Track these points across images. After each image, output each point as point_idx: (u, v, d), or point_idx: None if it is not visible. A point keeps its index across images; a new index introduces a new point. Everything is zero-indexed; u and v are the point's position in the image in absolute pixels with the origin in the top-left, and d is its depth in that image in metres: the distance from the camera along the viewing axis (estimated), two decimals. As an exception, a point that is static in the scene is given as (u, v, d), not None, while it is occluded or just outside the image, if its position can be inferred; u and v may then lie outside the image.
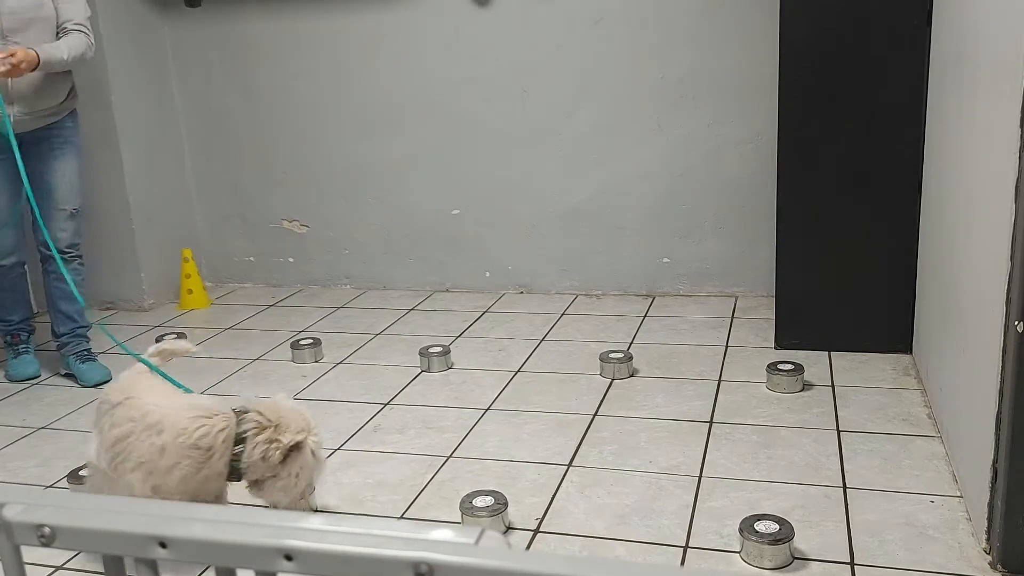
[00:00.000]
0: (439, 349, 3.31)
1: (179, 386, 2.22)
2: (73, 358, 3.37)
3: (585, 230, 4.08)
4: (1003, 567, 1.89)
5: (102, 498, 0.81)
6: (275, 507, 2.09)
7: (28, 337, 3.48)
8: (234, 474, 2.02)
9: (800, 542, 2.02)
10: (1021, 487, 1.85)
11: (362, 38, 4.14)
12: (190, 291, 4.30)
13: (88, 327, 3.44)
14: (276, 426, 2.01)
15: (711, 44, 3.74)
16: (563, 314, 3.87)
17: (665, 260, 4.03)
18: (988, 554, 1.94)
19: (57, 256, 2.94)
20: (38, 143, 3.17)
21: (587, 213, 4.06)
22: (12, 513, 0.74)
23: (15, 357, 3.45)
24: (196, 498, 2.00)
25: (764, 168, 3.71)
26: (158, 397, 2.06)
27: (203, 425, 1.98)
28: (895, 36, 2.93)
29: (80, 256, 3.35)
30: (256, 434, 2.00)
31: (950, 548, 1.99)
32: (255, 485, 2.07)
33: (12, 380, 3.39)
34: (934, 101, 2.83)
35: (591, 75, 3.90)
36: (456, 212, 4.23)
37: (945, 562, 1.94)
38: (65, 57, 3.03)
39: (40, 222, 3.02)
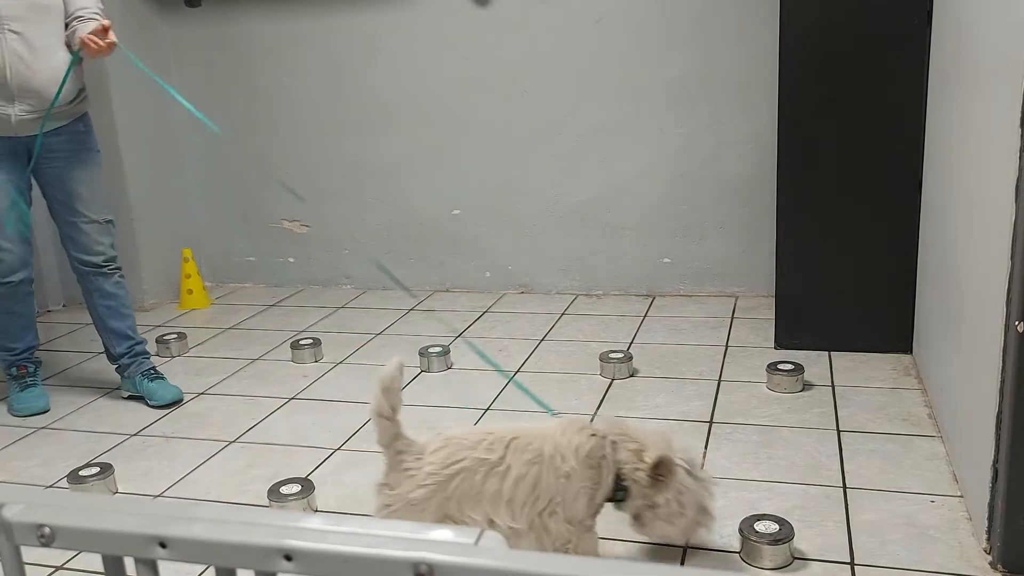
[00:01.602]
0: (439, 349, 3.31)
1: (546, 408, 2.06)
2: (140, 378, 3.11)
3: (585, 230, 4.08)
4: (1003, 567, 1.89)
5: (102, 498, 0.81)
6: (666, 540, 1.93)
7: (36, 369, 3.15)
8: (619, 491, 1.82)
9: (800, 542, 2.02)
10: (1021, 487, 1.85)
11: (362, 38, 4.14)
12: (190, 291, 4.30)
13: (145, 342, 3.23)
14: (640, 443, 1.82)
15: (711, 44, 3.74)
16: (563, 314, 3.87)
17: (665, 260, 4.03)
18: (988, 554, 1.93)
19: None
20: (50, 150, 2.92)
21: (587, 213, 4.06)
22: (12, 513, 0.74)
23: (22, 390, 3.09)
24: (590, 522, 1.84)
25: (764, 168, 3.71)
26: (527, 427, 1.83)
27: (593, 435, 1.80)
28: (895, 36, 2.92)
29: (119, 268, 3.13)
30: (624, 442, 1.82)
31: (950, 548, 1.99)
32: (637, 519, 1.86)
33: (17, 414, 3.05)
34: (934, 101, 2.83)
35: (591, 75, 3.90)
36: (456, 212, 4.23)
37: (945, 562, 1.94)
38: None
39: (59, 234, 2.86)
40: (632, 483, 1.79)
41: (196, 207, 4.59)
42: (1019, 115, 1.74)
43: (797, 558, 1.98)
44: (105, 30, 2.72)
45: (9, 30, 2.74)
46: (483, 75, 4.03)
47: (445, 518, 1.71)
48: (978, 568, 1.91)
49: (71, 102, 2.92)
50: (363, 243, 4.41)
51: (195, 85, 4.42)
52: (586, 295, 4.13)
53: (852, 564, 1.95)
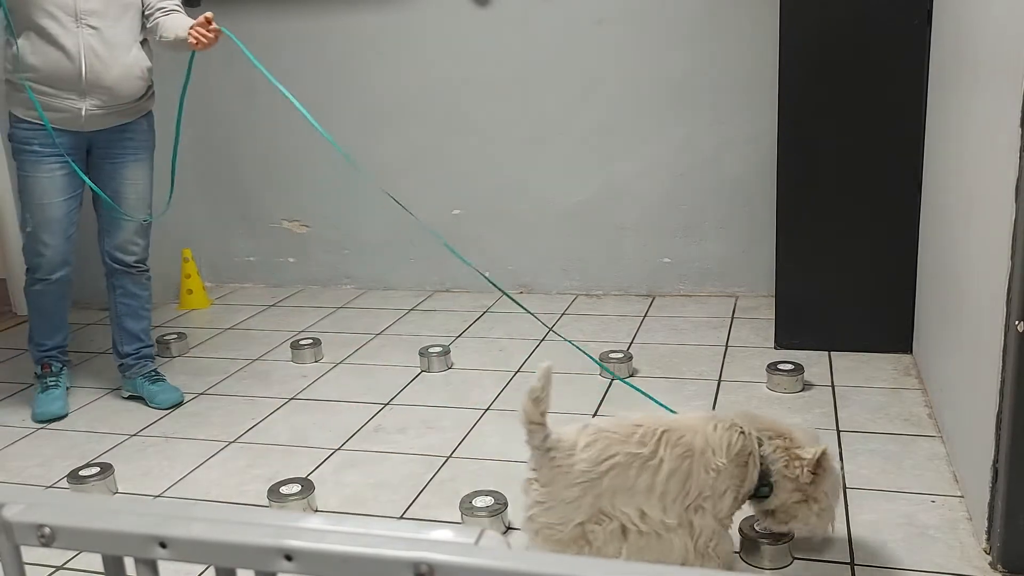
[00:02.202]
0: (439, 349, 3.31)
1: (664, 407, 2.02)
2: (141, 379, 3.10)
3: (585, 230, 4.08)
4: (1003, 567, 1.89)
5: (102, 498, 0.81)
6: (804, 534, 1.91)
7: (61, 369, 3.12)
8: (764, 486, 1.79)
9: (800, 542, 2.02)
10: (1021, 487, 1.85)
11: (362, 38, 4.14)
12: (190, 291, 4.30)
13: (153, 345, 3.23)
14: (787, 438, 1.79)
15: (711, 44, 3.74)
16: (563, 314, 3.87)
17: (666, 260, 4.03)
18: (988, 554, 1.93)
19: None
20: (109, 146, 2.91)
21: (587, 213, 4.06)
22: (12, 513, 0.74)
23: (43, 391, 3.06)
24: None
25: (764, 168, 3.71)
26: (673, 419, 1.80)
27: (739, 433, 1.75)
28: (895, 36, 2.92)
29: (148, 270, 3.10)
30: (770, 438, 1.78)
31: (951, 548, 1.99)
32: (772, 514, 1.84)
33: (37, 420, 3.00)
34: (934, 101, 2.83)
35: (591, 75, 3.90)
36: (456, 212, 4.23)
37: (945, 562, 1.94)
38: None
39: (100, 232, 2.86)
40: (781, 478, 1.77)
41: (196, 207, 4.59)
42: (1019, 115, 1.74)
43: (797, 558, 1.98)
44: (208, 21, 2.70)
45: (87, 25, 2.71)
46: (483, 75, 4.03)
47: (599, 513, 1.68)
48: (978, 568, 1.91)
49: (139, 99, 2.90)
50: (363, 243, 4.41)
51: (195, 85, 4.41)
52: (586, 295, 4.13)
53: (852, 564, 1.95)
